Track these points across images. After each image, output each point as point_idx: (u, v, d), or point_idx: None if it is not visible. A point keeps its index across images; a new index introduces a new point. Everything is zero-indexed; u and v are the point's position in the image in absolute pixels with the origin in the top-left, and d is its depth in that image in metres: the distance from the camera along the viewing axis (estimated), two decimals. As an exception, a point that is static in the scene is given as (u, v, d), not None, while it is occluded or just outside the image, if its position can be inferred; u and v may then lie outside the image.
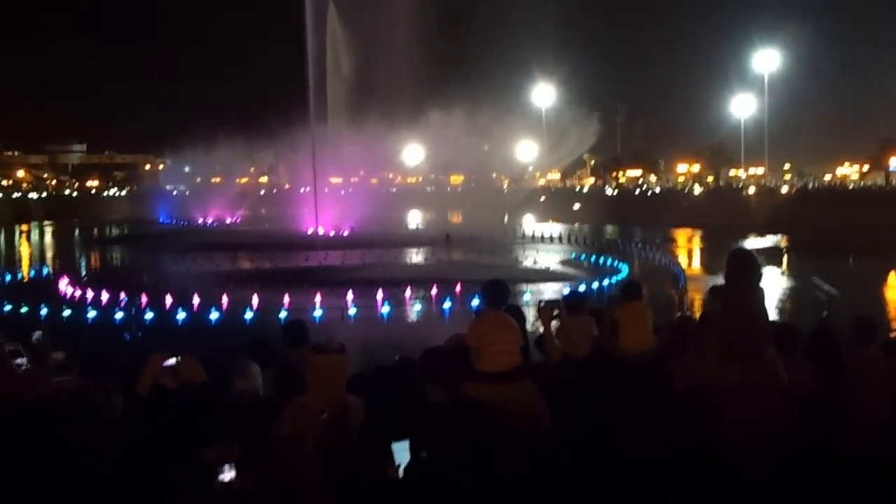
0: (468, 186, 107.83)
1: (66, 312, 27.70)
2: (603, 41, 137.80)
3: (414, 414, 5.87)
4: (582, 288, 28.82)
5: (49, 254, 67.60)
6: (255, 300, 28.30)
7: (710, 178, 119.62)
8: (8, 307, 28.31)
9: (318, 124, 72.57)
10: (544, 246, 57.50)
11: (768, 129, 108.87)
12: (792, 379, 6.34)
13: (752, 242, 59.57)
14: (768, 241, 61.61)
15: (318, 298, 28.67)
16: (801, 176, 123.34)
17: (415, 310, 29.80)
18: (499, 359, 7.12)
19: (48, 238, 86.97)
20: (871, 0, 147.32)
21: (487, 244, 51.17)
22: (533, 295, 30.87)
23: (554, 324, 8.10)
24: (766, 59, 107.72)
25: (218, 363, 6.93)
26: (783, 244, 59.79)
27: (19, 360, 7.51)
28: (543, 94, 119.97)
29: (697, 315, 19.00)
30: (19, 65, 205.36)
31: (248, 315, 27.09)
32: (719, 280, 7.06)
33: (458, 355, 7.01)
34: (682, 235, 69.78)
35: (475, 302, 24.67)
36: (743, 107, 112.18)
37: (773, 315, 9.72)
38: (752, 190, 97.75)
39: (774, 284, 35.46)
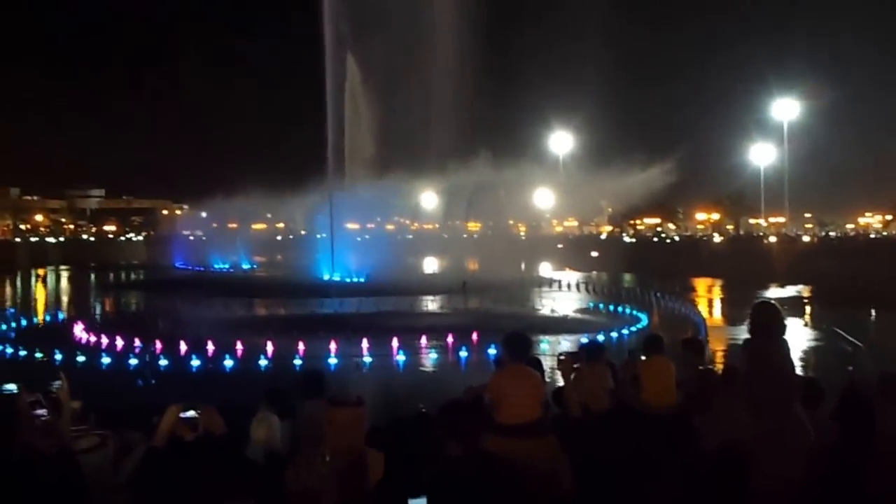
0: (485, 233, 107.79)
1: (81, 358, 27.54)
2: (622, 88, 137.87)
3: (431, 468, 5.78)
4: (601, 337, 28.52)
5: (65, 298, 67.75)
6: (269, 347, 28.17)
7: (729, 227, 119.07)
8: (23, 352, 28.43)
9: (334, 170, 72.97)
10: (561, 294, 57.33)
11: (789, 177, 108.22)
12: (818, 434, 6.22)
13: (774, 292, 58.96)
14: (790, 291, 60.88)
15: (332, 346, 28.37)
16: (823, 225, 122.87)
17: (430, 359, 29.51)
18: (519, 411, 7.01)
19: (64, 283, 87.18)
20: (893, 49, 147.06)
21: (504, 292, 50.87)
22: (550, 344, 30.44)
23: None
24: (786, 108, 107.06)
25: (236, 413, 6.86)
26: (805, 295, 58.89)
27: (39, 412, 7.39)
28: (561, 141, 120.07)
29: (720, 368, 18.44)
30: (39, 109, 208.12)
31: (263, 362, 26.93)
32: (741, 331, 7.20)
33: (475, 408, 6.88)
34: (701, 284, 69.17)
35: (492, 351, 25.06)
36: (763, 155, 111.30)
37: (797, 368, 9.52)
38: (772, 239, 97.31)
39: (797, 336, 34.08)
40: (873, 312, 45.26)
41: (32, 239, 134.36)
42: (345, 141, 76.61)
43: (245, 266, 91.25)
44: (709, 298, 59.97)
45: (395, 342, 29.51)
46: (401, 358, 28.39)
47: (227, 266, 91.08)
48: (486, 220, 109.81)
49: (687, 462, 6.24)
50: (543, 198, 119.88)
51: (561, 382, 7.92)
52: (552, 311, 45.22)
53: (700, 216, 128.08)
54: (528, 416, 7.00)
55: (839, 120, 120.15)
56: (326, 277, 65.80)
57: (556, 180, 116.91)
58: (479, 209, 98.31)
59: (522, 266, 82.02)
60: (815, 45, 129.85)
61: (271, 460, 6.56)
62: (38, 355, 27.55)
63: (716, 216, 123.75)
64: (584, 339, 27.71)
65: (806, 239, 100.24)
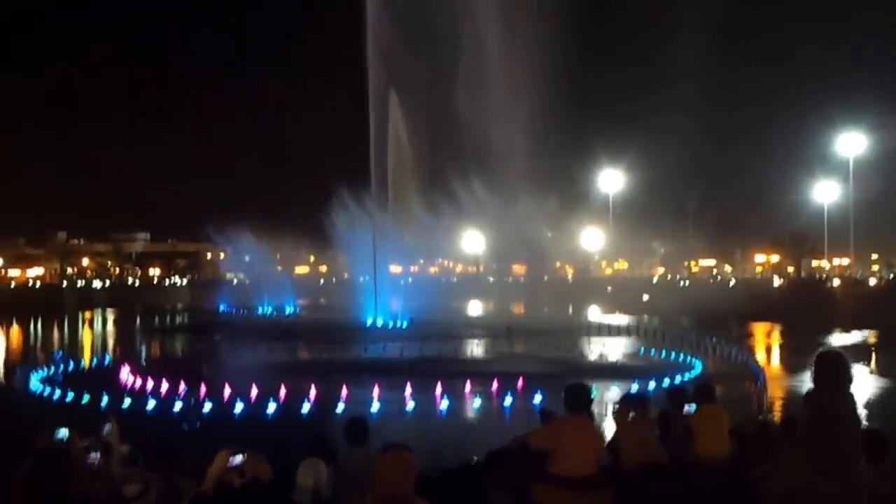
0: (531, 276, 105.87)
1: (127, 402, 28.08)
2: (675, 125, 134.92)
3: None
4: (652, 385, 28.54)
5: (110, 342, 68.66)
6: (312, 392, 28.42)
7: (790, 269, 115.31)
8: (70, 395, 29.26)
9: (377, 213, 72.01)
10: (611, 339, 56.23)
11: (854, 216, 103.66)
12: (882, 488, 6.03)
13: (838, 338, 57.56)
14: (855, 336, 59.22)
15: (375, 391, 28.40)
16: (890, 267, 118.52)
17: (474, 405, 29.21)
18: (575, 464, 6.90)
19: (110, 326, 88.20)
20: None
21: (550, 336, 49.45)
22: (598, 391, 28.96)
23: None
24: (852, 142, 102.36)
25: (283, 459, 7.00)
26: (871, 341, 56.51)
27: (92, 456, 7.51)
28: (610, 180, 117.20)
29: (778, 418, 18.52)
30: (84, 154, 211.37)
31: (306, 407, 27.21)
32: (801, 380, 7.93)
33: (523, 457, 6.93)
34: (760, 329, 67.34)
35: (537, 398, 25.70)
36: (826, 193, 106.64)
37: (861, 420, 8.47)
38: (836, 282, 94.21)
39: (862, 385, 33.44)
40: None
41: (79, 282, 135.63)
42: (388, 183, 75.64)
43: (288, 310, 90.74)
44: (767, 344, 58.39)
45: (438, 388, 29.30)
46: (444, 404, 28.23)
47: (270, 310, 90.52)
48: (532, 263, 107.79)
49: None
50: (592, 239, 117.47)
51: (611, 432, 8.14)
52: (601, 356, 44.37)
53: (759, 258, 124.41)
54: (585, 469, 6.90)
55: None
56: (369, 321, 65.06)
57: (606, 221, 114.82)
58: (525, 251, 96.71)
59: (570, 310, 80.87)
60: (882, 76, 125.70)
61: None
62: (85, 399, 28.36)
63: (775, 257, 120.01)
64: (634, 387, 27.88)
65: (872, 282, 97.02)
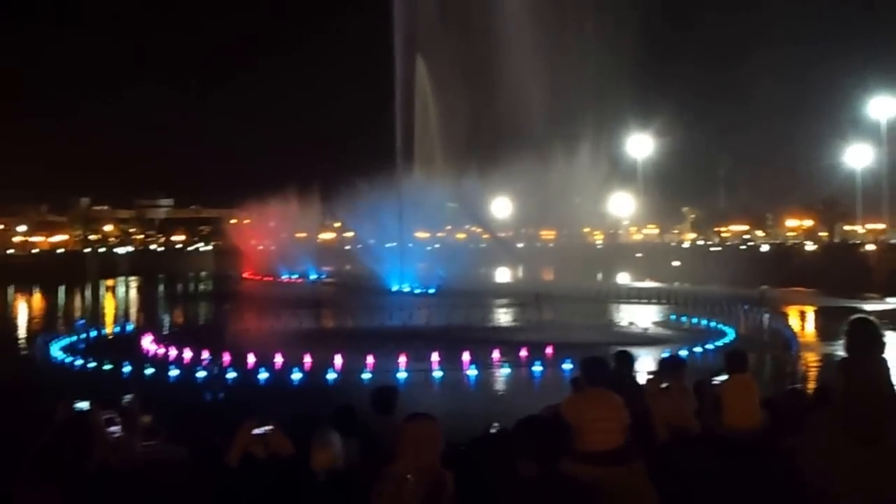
0: (560, 242, 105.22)
1: (149, 371, 28.27)
2: (704, 87, 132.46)
3: (504, 491, 5.47)
4: (683, 352, 27.22)
5: (133, 310, 68.62)
6: (338, 360, 28.50)
7: (823, 234, 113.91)
8: (92, 364, 29.49)
9: (404, 178, 71.69)
10: (641, 306, 56.15)
11: (888, 180, 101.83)
12: None
13: (872, 305, 56.18)
14: (890, 303, 57.79)
15: (402, 360, 28.38)
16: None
17: (503, 373, 29.14)
18: (601, 437, 6.79)
19: (133, 293, 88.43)
20: None
21: (580, 304, 49.29)
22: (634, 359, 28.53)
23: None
24: (884, 106, 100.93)
25: (303, 432, 6.68)
26: (908, 306, 55.20)
27: (113, 428, 7.49)
28: (639, 145, 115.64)
29: (812, 387, 18.16)
30: (108, 119, 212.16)
31: (331, 376, 27.28)
32: (836, 347, 6.32)
33: (554, 427, 6.75)
34: (794, 295, 65.94)
35: (567, 366, 25.38)
36: (859, 157, 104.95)
37: None
38: (870, 247, 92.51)
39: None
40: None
41: (101, 249, 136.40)
42: (414, 144, 75.23)
43: (313, 276, 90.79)
44: (801, 311, 57.06)
45: (466, 356, 29.24)
46: (472, 373, 28.35)
47: (295, 276, 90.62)
48: (560, 228, 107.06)
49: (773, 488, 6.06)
50: (621, 204, 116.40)
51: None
52: (630, 324, 44.50)
53: (791, 223, 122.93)
54: (611, 442, 6.80)
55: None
56: (396, 288, 64.87)
57: (635, 186, 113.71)
58: (554, 216, 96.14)
59: (599, 276, 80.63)
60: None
61: (333, 478, 6.32)
62: (107, 367, 28.55)
63: (808, 223, 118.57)
64: (665, 354, 26.62)
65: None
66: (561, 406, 7.45)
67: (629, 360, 11.06)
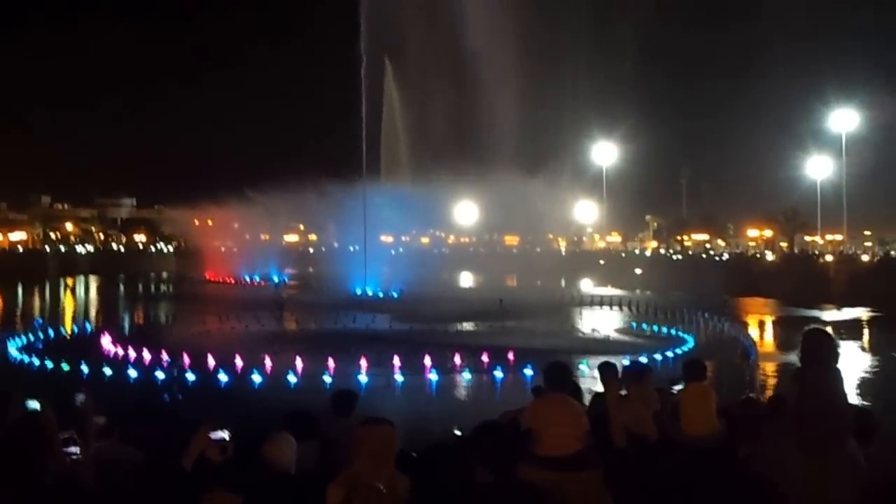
0: (523, 248, 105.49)
1: (108, 371, 27.87)
2: (669, 97, 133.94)
3: (462, 496, 5.58)
4: (643, 359, 27.28)
5: (93, 309, 67.62)
6: (299, 363, 28.17)
7: (783, 244, 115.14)
8: (50, 364, 29.09)
9: (370, 182, 71.58)
10: (603, 313, 56.26)
11: (847, 193, 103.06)
12: (871, 470, 5.92)
13: (830, 314, 57.29)
14: (848, 313, 58.76)
15: (363, 364, 28.15)
16: (884, 244, 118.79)
17: (464, 378, 28.98)
18: (560, 442, 6.70)
19: (93, 293, 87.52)
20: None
21: (543, 310, 49.49)
22: (590, 367, 28.83)
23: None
24: (844, 119, 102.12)
25: (256, 437, 6.59)
26: (864, 318, 56.51)
27: (72, 449, 7.19)
28: (604, 152, 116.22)
29: (768, 395, 18.29)
30: (70, 117, 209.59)
31: (292, 379, 27.01)
32: (793, 357, 6.52)
33: (512, 433, 6.78)
34: (752, 305, 66.99)
35: (528, 372, 25.56)
36: (819, 169, 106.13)
37: (851, 397, 8.44)
38: (829, 258, 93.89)
39: (854, 363, 33.52)
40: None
41: (62, 248, 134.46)
42: (381, 148, 75.19)
43: (276, 279, 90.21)
44: (760, 320, 57.59)
45: (427, 361, 29.06)
46: (433, 377, 28.16)
47: (257, 278, 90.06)
48: (524, 235, 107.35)
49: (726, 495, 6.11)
50: (585, 211, 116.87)
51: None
52: (593, 330, 44.19)
53: (752, 232, 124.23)
54: (570, 447, 6.71)
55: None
56: (359, 292, 64.63)
57: (599, 193, 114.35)
58: (518, 222, 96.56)
59: (562, 283, 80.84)
60: (876, 52, 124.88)
61: (283, 483, 6.26)
62: (65, 367, 28.13)
63: (768, 233, 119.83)
64: (626, 361, 26.78)
65: (865, 258, 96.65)
66: (523, 411, 7.43)
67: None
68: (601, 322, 48.20)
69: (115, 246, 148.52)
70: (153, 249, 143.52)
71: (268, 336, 37.64)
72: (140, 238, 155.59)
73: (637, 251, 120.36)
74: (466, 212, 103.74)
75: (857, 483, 5.83)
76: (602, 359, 26.66)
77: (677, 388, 9.85)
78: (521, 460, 6.49)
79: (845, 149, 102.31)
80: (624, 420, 7.87)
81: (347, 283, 68.83)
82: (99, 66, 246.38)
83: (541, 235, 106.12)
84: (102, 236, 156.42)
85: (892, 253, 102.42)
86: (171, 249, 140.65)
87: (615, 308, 58.78)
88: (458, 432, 8.35)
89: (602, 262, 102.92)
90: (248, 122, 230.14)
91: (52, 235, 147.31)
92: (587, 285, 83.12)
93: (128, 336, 38.38)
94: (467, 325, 47.83)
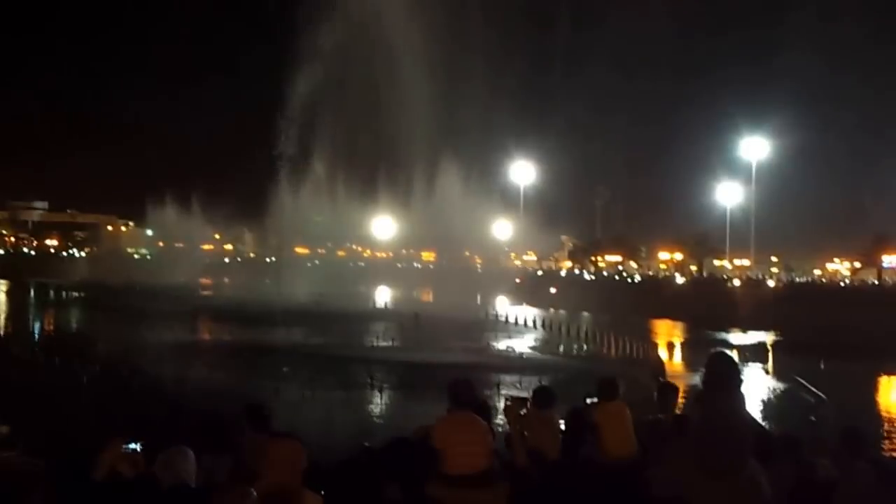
0: (440, 264, 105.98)
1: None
2: (586, 120, 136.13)
3: None
4: (547, 379, 27.94)
5: (0, 315, 65.59)
6: (213, 373, 28.52)
7: (693, 268, 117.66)
8: None
9: (286, 193, 71.29)
10: (518, 330, 56.33)
11: (756, 219, 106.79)
12: (773, 490, 6.03)
13: (736, 338, 58.38)
14: (753, 337, 59.79)
15: (276, 375, 28.37)
16: (789, 270, 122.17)
17: (377, 392, 28.75)
18: (466, 460, 6.71)
19: (1, 297, 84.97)
20: (866, 91, 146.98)
21: (458, 326, 49.45)
22: (505, 386, 29.09)
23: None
24: (755, 147, 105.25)
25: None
26: (769, 341, 57.61)
27: None
28: (522, 172, 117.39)
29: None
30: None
31: (205, 389, 26.29)
32: (699, 377, 6.83)
33: (421, 449, 6.74)
34: (662, 326, 67.92)
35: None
36: (729, 195, 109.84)
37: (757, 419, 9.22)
38: (737, 282, 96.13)
39: (758, 385, 34.37)
40: (840, 363, 43.87)
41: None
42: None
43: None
44: (668, 341, 58.39)
45: (341, 374, 29.61)
46: (346, 391, 28.08)
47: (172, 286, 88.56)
48: (441, 251, 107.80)
49: None
50: (502, 229, 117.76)
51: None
52: (507, 348, 44.40)
53: (663, 255, 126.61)
54: (475, 465, 6.73)
55: (809, 162, 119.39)
56: (274, 302, 64.24)
57: (516, 212, 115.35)
58: (435, 238, 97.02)
59: (478, 300, 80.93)
60: (786, 83, 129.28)
61: (180, 498, 5.97)
62: None
63: (679, 256, 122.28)
64: (537, 383, 27.30)
65: (771, 283, 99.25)
66: (429, 429, 7.37)
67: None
68: (516, 340, 48.48)
69: (25, 250, 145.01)
70: (65, 254, 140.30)
71: (180, 345, 37.36)
72: (52, 242, 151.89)
73: (560, 270, 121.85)
74: (384, 226, 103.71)
75: (759, 503, 5.89)
76: (516, 376, 27.02)
77: (591, 400, 9.66)
78: (429, 479, 6.51)
79: (755, 176, 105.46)
80: (527, 441, 7.89)
81: (262, 293, 68.42)
82: (11, 64, 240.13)
83: (458, 252, 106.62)
84: (13, 240, 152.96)
85: (797, 279, 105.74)
86: (84, 255, 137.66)
87: (530, 326, 58.96)
88: (364, 448, 8.15)
89: (518, 280, 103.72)
90: (167, 130, 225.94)
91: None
92: (503, 303, 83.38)
93: (37, 342, 38.20)
94: (383, 340, 47.60)
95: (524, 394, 10.38)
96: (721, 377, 6.20)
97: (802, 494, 6.91)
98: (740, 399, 6.19)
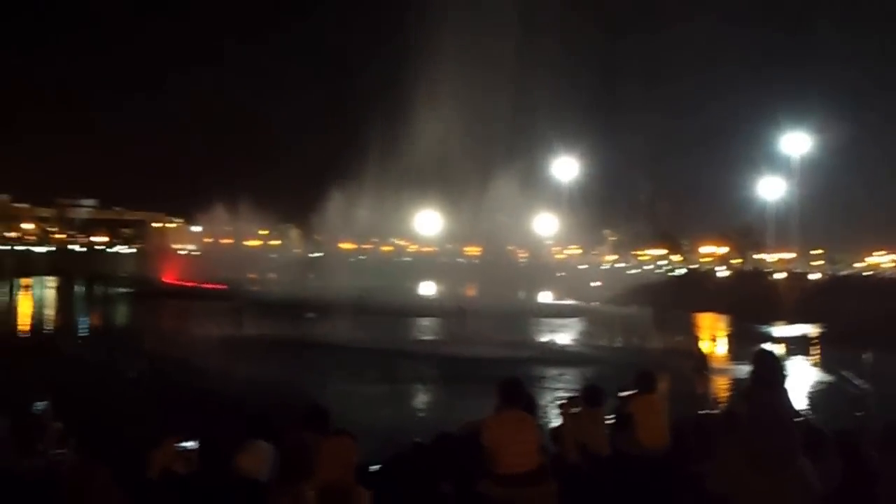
0: (484, 258, 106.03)
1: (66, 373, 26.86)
2: (629, 116, 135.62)
3: None
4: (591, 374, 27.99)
5: (49, 311, 65.94)
6: (260, 370, 27.93)
7: (736, 261, 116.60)
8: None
9: (333, 189, 71.74)
10: (562, 324, 56.23)
11: (799, 213, 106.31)
12: (823, 485, 6.07)
13: (780, 330, 57.86)
14: (797, 329, 59.28)
15: (325, 373, 28.25)
16: (832, 262, 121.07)
17: (426, 388, 28.92)
18: (517, 460, 6.83)
19: (50, 293, 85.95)
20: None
21: (503, 320, 49.26)
22: (549, 378, 29.48)
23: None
24: (796, 142, 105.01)
25: (222, 443, 6.51)
26: (813, 334, 57.15)
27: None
28: (565, 167, 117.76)
29: (719, 411, 17.97)
30: (32, 116, 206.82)
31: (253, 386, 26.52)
32: (745, 370, 7.10)
33: (471, 444, 6.75)
34: (705, 319, 67.70)
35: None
36: (772, 189, 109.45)
37: (802, 413, 9.42)
38: (780, 275, 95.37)
39: (802, 378, 34.07)
40: (882, 355, 43.43)
41: (19, 248, 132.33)
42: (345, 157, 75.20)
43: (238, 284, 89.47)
44: (713, 334, 58.31)
45: (389, 370, 29.56)
46: (395, 387, 27.93)
47: (219, 282, 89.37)
48: (486, 245, 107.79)
49: None
50: (546, 224, 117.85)
51: (558, 421, 8.18)
52: (552, 341, 44.63)
53: (706, 249, 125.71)
54: (526, 464, 6.83)
55: (852, 156, 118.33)
56: (321, 298, 64.52)
57: (560, 207, 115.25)
58: (480, 233, 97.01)
59: (522, 293, 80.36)
60: (828, 78, 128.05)
61: (253, 490, 6.04)
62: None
63: (723, 249, 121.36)
64: (580, 377, 27.75)
65: (814, 276, 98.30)
66: (479, 427, 7.37)
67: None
68: (560, 333, 48.73)
69: (74, 247, 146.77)
70: (113, 251, 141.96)
71: (227, 341, 37.46)
72: (100, 239, 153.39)
73: (603, 265, 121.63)
74: (429, 221, 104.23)
75: (808, 498, 5.94)
76: (559, 370, 27.31)
77: (625, 393, 9.80)
78: (481, 477, 6.65)
79: (797, 171, 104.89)
80: (577, 437, 8.17)
81: (308, 288, 68.78)
82: (62, 67, 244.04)
83: (502, 246, 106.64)
84: (62, 237, 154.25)
85: (841, 272, 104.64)
86: (132, 251, 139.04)
87: (574, 319, 59.04)
88: (417, 444, 8.20)
89: (561, 274, 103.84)
90: (214, 129, 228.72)
91: (11, 235, 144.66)
92: (546, 296, 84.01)
93: (85, 337, 38.44)
94: (429, 334, 48.08)
95: (575, 393, 10.47)
96: (767, 374, 6.49)
97: (851, 489, 6.95)
98: (785, 394, 6.48)
